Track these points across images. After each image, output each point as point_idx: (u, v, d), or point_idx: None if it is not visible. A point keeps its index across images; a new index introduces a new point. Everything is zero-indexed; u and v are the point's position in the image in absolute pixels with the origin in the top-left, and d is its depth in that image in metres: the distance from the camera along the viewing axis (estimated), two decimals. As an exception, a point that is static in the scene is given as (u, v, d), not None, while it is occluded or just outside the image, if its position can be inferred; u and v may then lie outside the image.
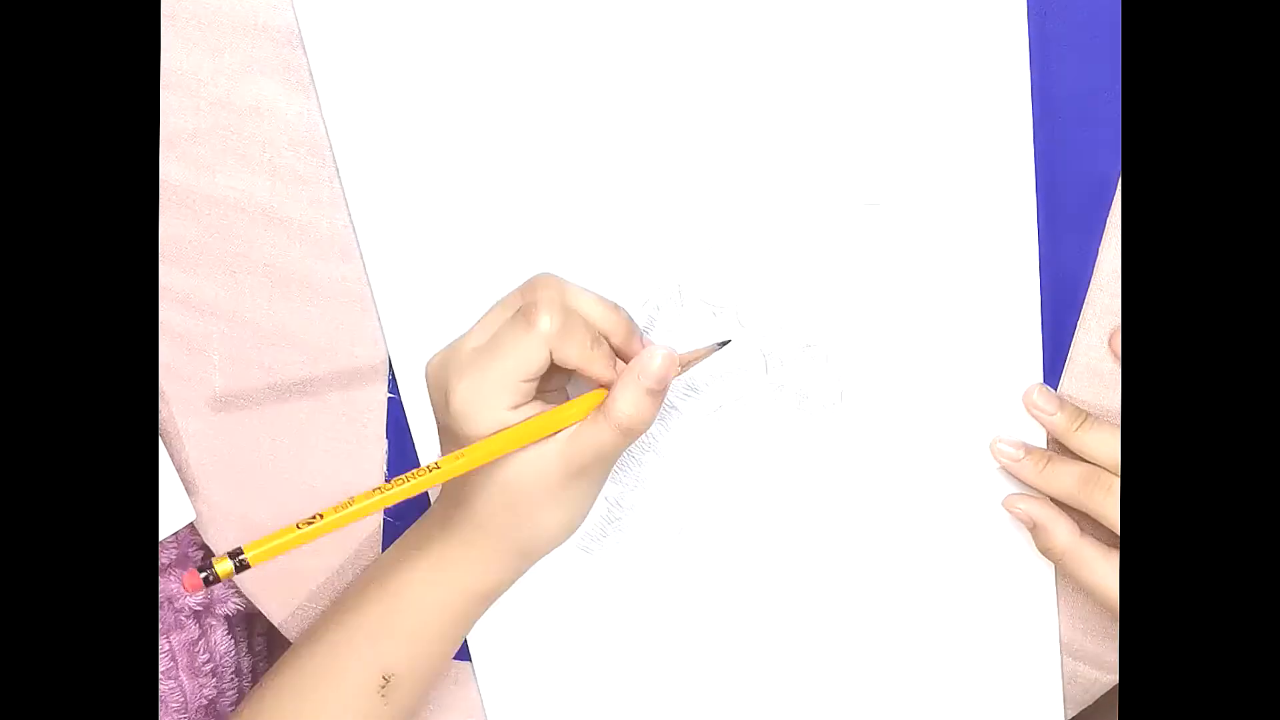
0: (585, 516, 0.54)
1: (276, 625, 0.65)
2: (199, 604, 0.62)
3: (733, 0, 0.52)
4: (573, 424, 0.51)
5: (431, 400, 0.52)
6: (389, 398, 0.60)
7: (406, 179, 0.56)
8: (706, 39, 0.53)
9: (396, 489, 0.47)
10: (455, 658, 0.64)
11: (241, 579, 0.64)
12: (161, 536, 0.61)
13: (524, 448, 0.50)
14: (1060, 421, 0.55)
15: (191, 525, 0.63)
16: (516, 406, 0.50)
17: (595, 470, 0.52)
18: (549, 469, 0.51)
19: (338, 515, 0.46)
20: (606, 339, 0.51)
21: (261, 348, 0.60)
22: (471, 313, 0.55)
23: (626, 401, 0.50)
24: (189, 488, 0.62)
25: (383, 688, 0.55)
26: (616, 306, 0.52)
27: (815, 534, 0.60)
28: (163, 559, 0.62)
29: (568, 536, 0.54)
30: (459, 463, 0.48)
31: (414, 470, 0.48)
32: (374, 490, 0.47)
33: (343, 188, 0.56)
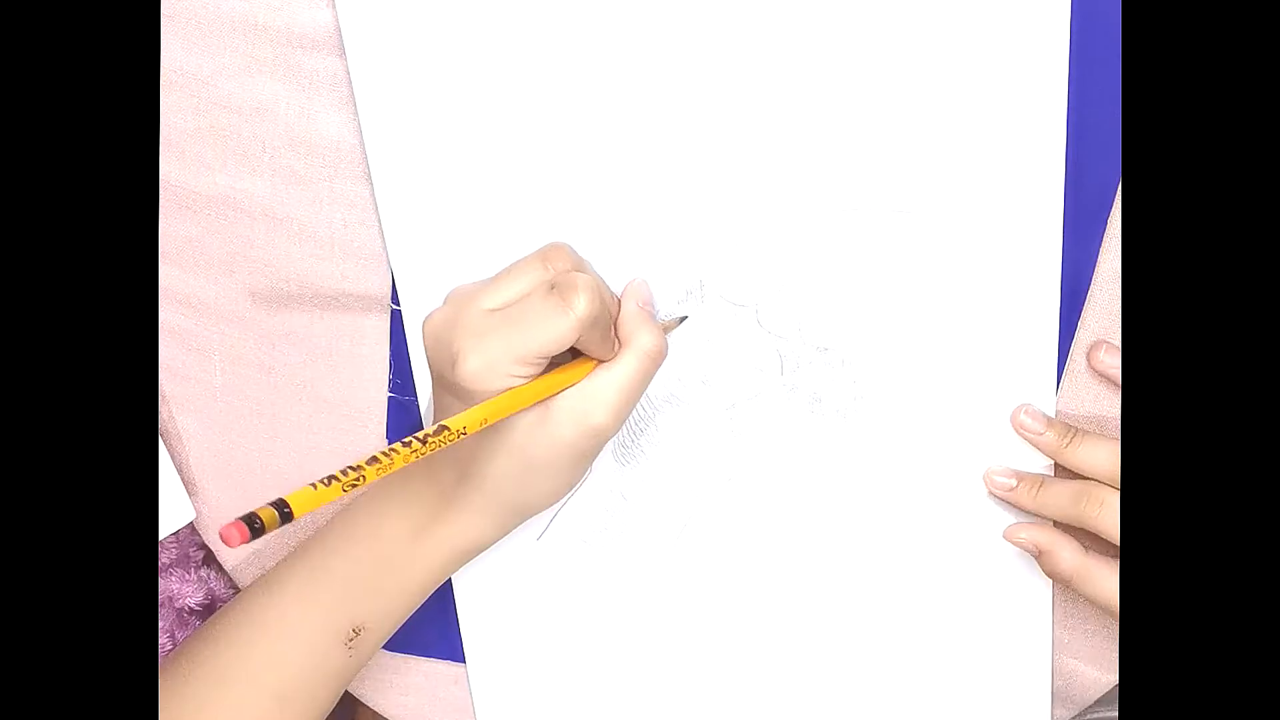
0: (582, 478, 0.55)
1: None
2: (199, 604, 0.62)
3: (764, 8, 0.52)
4: (581, 380, 0.51)
5: (433, 356, 0.52)
6: (390, 398, 0.60)
7: (433, 178, 0.56)
8: (738, 44, 0.53)
9: (431, 445, 0.46)
10: (451, 659, 0.65)
11: (202, 524, 0.64)
12: (161, 536, 0.61)
13: (532, 406, 0.50)
14: (1050, 440, 0.55)
15: (192, 525, 0.63)
16: (529, 376, 0.50)
17: (609, 427, 0.52)
18: (563, 431, 0.51)
19: (376, 468, 0.45)
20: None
21: (262, 347, 0.60)
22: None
23: (639, 326, 0.52)
24: (189, 487, 0.62)
25: (351, 640, 0.55)
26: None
27: (819, 536, 0.60)
28: (164, 559, 0.62)
29: (563, 497, 0.55)
30: (476, 419, 0.48)
31: (435, 427, 0.47)
32: (405, 444, 0.46)
33: (373, 193, 0.56)
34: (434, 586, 0.56)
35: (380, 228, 0.57)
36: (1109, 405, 0.55)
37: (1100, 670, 0.59)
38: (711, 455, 0.59)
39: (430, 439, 0.47)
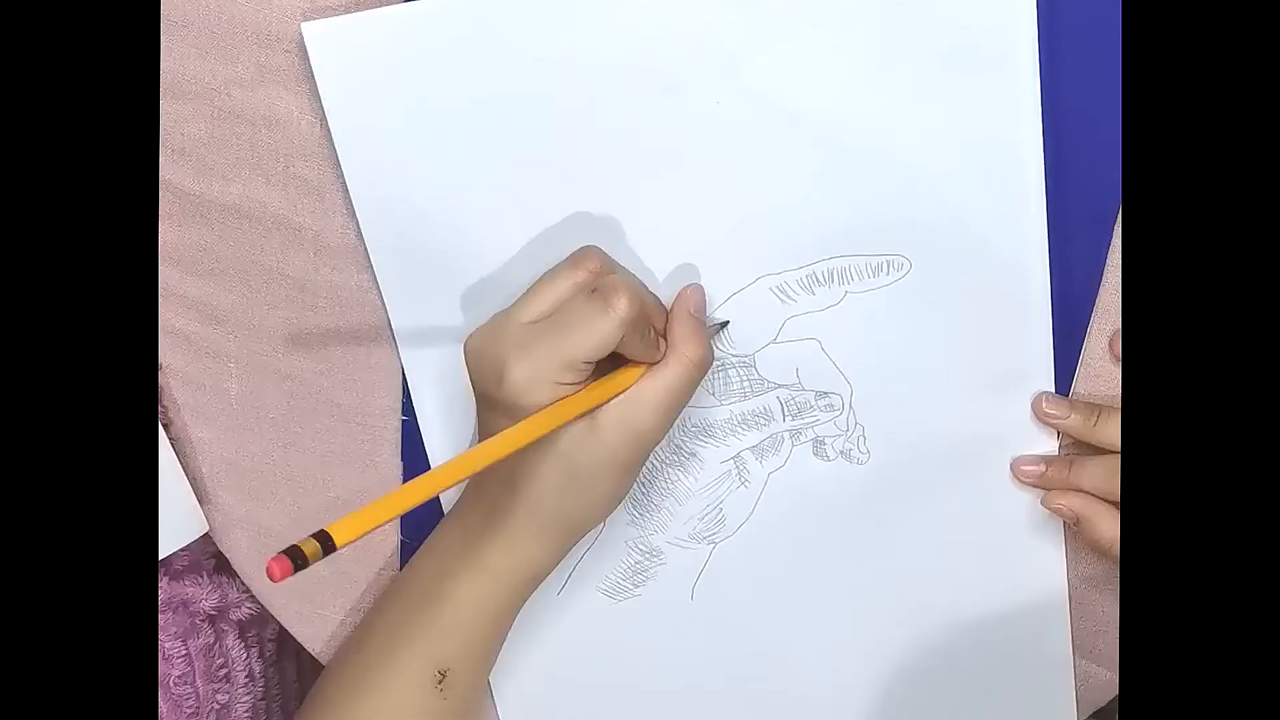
0: (628, 492, 0.54)
1: (302, 643, 0.65)
2: (213, 608, 0.63)
3: (750, 81, 0.53)
4: (628, 388, 0.51)
5: (476, 375, 0.52)
6: (402, 402, 0.60)
7: (416, 191, 0.56)
8: (730, 106, 0.53)
9: (470, 460, 0.46)
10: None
11: (266, 598, 0.65)
12: (174, 549, 0.61)
13: (579, 418, 0.50)
14: (1076, 422, 0.55)
15: (205, 535, 0.63)
16: (576, 385, 0.50)
17: (655, 435, 0.52)
18: (610, 440, 0.51)
19: (417, 488, 0.44)
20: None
21: (276, 355, 0.60)
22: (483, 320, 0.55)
23: (689, 335, 0.52)
24: (202, 496, 0.63)
25: (439, 682, 0.55)
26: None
27: (834, 576, 0.61)
28: (176, 564, 0.62)
29: (610, 513, 0.54)
30: (519, 435, 0.48)
31: (474, 447, 0.47)
32: (447, 465, 0.46)
33: (351, 201, 0.57)
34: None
35: (361, 237, 0.57)
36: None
37: (1115, 672, 0.59)
38: (721, 504, 0.60)
39: (464, 457, 0.46)
